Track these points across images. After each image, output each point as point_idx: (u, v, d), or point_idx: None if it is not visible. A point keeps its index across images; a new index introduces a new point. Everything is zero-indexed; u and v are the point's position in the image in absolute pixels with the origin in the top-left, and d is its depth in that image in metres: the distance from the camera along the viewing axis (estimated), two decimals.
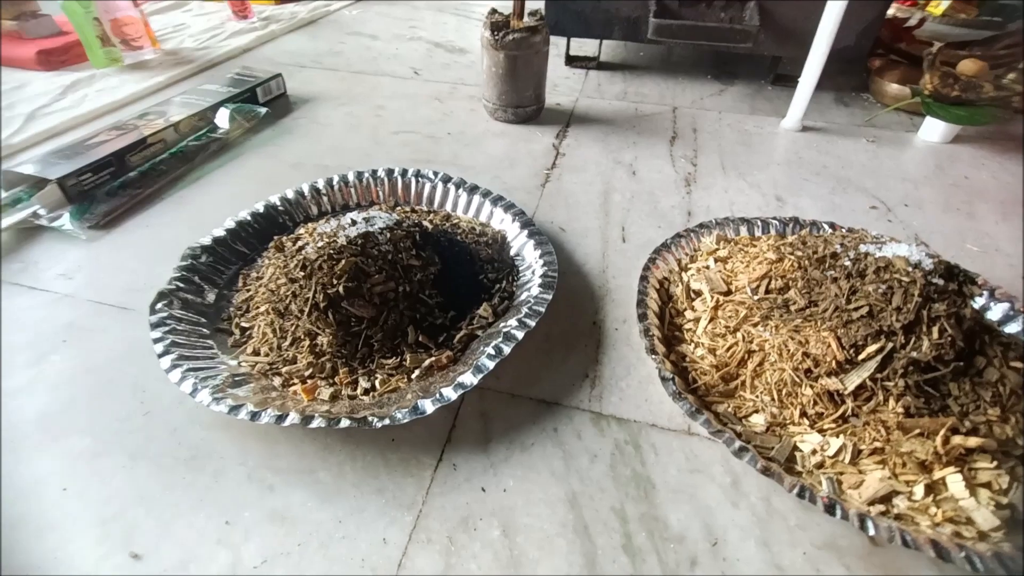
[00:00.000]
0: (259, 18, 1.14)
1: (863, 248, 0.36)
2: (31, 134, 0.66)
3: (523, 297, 0.42)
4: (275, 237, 0.47)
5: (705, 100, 0.81)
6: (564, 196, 0.58)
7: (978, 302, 0.40)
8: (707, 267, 0.44)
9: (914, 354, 0.31)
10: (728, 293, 0.41)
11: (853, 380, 0.32)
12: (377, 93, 0.81)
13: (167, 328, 0.37)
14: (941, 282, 0.33)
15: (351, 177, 0.54)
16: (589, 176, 0.61)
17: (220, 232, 0.46)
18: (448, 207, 0.54)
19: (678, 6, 0.79)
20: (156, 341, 0.35)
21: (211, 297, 0.42)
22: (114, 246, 0.49)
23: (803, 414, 0.33)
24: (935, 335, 0.31)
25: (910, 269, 0.33)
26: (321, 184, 0.53)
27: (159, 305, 0.38)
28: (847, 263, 0.35)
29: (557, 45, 0.91)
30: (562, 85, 0.86)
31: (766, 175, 0.62)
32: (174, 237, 0.49)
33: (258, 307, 0.40)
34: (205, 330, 0.39)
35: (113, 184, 0.55)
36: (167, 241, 0.49)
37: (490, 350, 0.35)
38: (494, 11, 0.68)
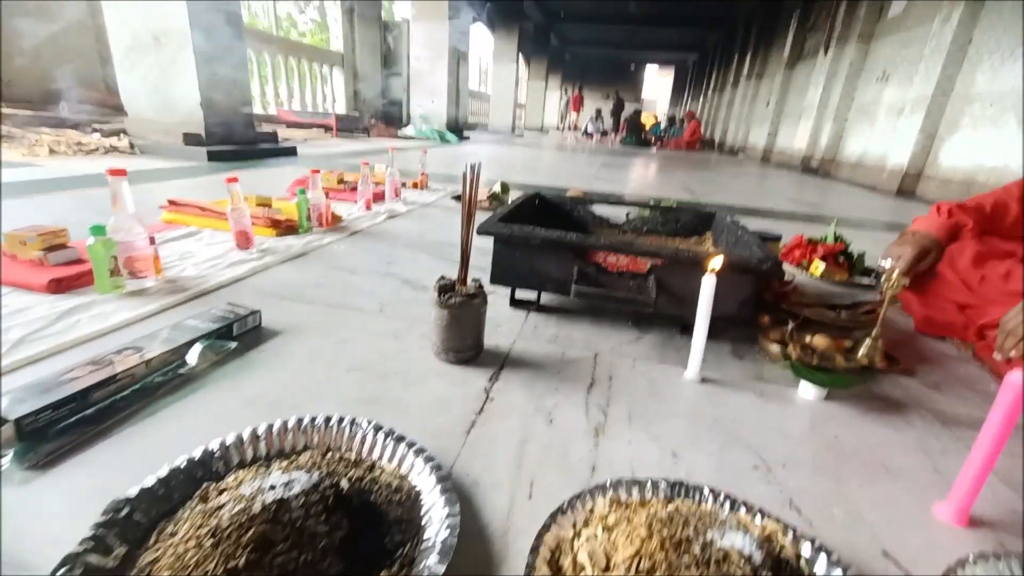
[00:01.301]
0: (259, 249, 1.34)
1: (709, 535, 0.42)
2: (13, 360, 0.73)
3: (422, 565, 0.44)
4: (204, 485, 0.51)
5: (623, 347, 0.95)
6: (484, 445, 0.64)
7: None
8: (595, 536, 0.48)
9: None
10: (608, 568, 0.44)
11: None
12: (343, 328, 0.94)
13: None
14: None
15: (291, 423, 0.60)
16: (510, 423, 0.69)
17: (150, 481, 0.50)
18: (375, 455, 0.59)
19: (595, 273, 0.99)
20: None
21: (119, 557, 0.44)
22: (47, 490, 0.51)
23: None
24: None
25: (742, 563, 0.38)
26: (261, 430, 0.58)
27: (60, 572, 0.40)
28: (697, 551, 0.41)
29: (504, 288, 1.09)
30: (504, 326, 1.00)
31: (666, 428, 0.71)
32: (110, 480, 0.52)
33: (160, 572, 0.41)
34: None
35: (68, 421, 0.59)
36: (101, 484, 0.51)
37: None
38: (443, 277, 0.84)
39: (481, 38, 13.51)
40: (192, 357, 0.74)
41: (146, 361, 0.70)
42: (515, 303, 1.10)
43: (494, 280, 1.04)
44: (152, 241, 1.04)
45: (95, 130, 3.34)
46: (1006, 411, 0.52)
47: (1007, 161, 3.45)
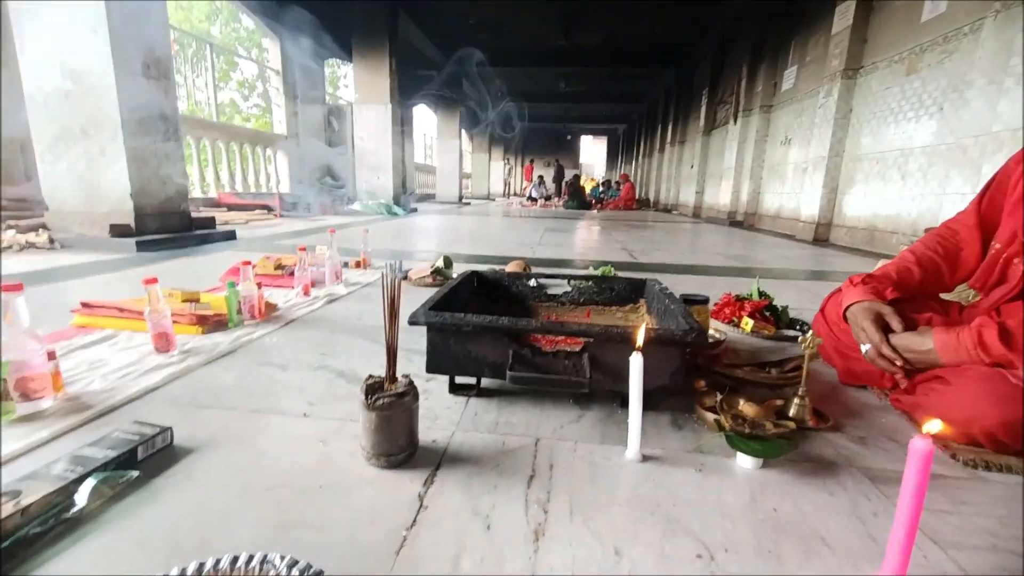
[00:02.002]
0: (180, 351, 1.26)
1: None
2: None
3: None
4: None
5: (565, 428, 0.93)
6: (415, 566, 0.59)
7: None
8: None
9: None
10: None
11: None
12: (264, 436, 0.87)
13: None
14: None
15: (190, 570, 0.53)
16: (444, 535, 0.64)
17: None
18: None
19: (531, 354, 0.99)
20: None
21: None
22: None
23: None
24: None
25: None
26: None
27: None
28: None
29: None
30: (443, 416, 0.97)
31: (606, 519, 0.68)
32: None
33: None
34: None
35: None
36: None
37: None
38: (371, 376, 0.81)
39: (425, 114, 14.20)
40: (82, 496, 0.66)
41: (22, 509, 0.61)
42: (455, 389, 1.07)
43: (430, 369, 1.01)
44: (52, 356, 0.95)
45: (10, 226, 3.14)
46: (915, 479, 0.54)
47: (899, 210, 3.88)
